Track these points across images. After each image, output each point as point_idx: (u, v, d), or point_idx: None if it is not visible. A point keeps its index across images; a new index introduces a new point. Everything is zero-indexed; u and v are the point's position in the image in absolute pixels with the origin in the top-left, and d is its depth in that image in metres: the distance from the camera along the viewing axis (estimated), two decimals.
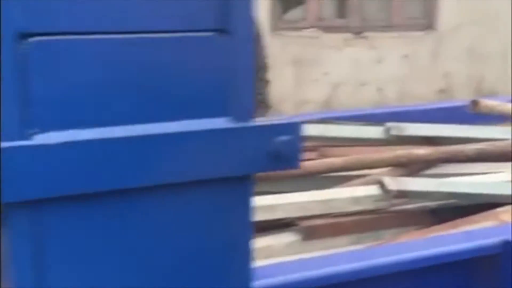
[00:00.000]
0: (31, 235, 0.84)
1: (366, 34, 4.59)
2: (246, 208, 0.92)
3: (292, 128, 0.89)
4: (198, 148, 0.86)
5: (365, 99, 4.54)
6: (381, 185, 1.94)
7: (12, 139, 0.78)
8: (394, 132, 2.29)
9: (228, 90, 0.86)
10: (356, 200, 1.99)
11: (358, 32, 4.57)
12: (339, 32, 4.50)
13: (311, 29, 4.49)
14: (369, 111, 2.76)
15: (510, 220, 1.71)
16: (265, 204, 1.82)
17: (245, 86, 0.87)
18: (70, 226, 0.85)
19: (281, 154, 0.88)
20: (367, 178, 2.07)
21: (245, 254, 0.94)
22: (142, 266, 0.90)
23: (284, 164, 0.89)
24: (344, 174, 2.10)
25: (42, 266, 0.86)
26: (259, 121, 0.88)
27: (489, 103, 2.49)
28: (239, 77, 0.86)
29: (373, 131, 2.36)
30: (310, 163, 2.06)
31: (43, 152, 0.79)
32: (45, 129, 0.79)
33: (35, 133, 0.79)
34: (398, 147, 2.25)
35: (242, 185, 0.91)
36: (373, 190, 2.00)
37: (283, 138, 0.88)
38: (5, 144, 0.78)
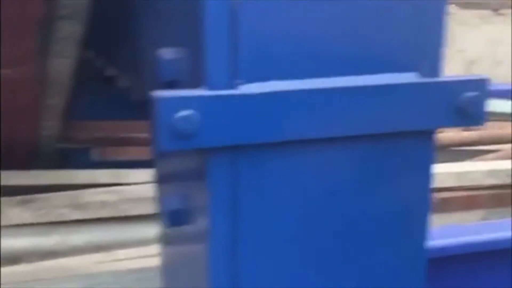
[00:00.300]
0: (228, 180, 0.90)
1: (503, 11, 4.47)
2: (427, 164, 0.94)
3: (479, 84, 0.90)
4: (386, 101, 0.89)
5: (500, 77, 4.43)
6: None
7: (218, 88, 0.84)
8: None
9: (418, 45, 0.88)
10: (492, 173, 1.96)
11: (495, 9, 4.46)
12: (477, 8, 4.40)
13: (449, 5, 4.40)
14: (502, 86, 2.70)
15: None
16: None
17: (434, 41, 0.89)
18: (265, 173, 0.90)
19: (466, 111, 0.90)
20: (503, 152, 2.05)
21: (423, 214, 0.97)
22: (326, 216, 0.95)
23: (468, 121, 0.91)
24: (477, 148, 2.09)
25: (237, 212, 0.92)
26: (446, 76, 0.90)
27: None
28: (429, 32, 0.88)
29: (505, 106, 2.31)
30: (445, 135, 2.05)
31: (247, 101, 0.84)
32: (249, 79, 0.84)
33: (241, 83, 0.84)
34: None
35: (425, 140, 0.93)
36: (509, 164, 1.97)
37: (470, 94, 0.89)
38: (211, 93, 0.84)
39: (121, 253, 2.12)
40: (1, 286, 1.88)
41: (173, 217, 1.16)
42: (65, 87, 2.09)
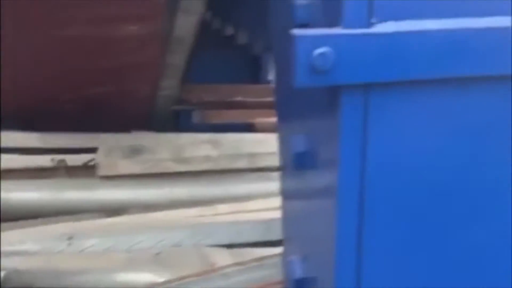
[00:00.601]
0: (358, 118, 0.94)
1: None
2: None
3: None
4: None
5: None
6: None
7: (354, 27, 0.87)
8: None
9: None
10: None
11: None
12: None
13: None
14: None
15: None
16: None
17: None
18: (395, 112, 0.94)
19: None
20: None
21: None
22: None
23: None
24: None
25: (366, 143, 0.96)
26: None
27: None
28: None
29: None
30: None
31: (381, 40, 0.88)
32: (385, 18, 0.87)
33: (376, 22, 0.87)
34: None
35: None
36: None
37: None
38: (347, 31, 0.88)
39: (220, 207, 2.19)
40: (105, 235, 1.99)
41: (299, 160, 1.21)
42: (188, 46, 2.18)
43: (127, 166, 2.20)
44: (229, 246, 1.99)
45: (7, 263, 1.75)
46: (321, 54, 0.88)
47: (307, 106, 1.15)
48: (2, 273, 1.71)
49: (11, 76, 2.36)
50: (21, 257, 1.80)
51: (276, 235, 2.01)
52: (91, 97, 2.42)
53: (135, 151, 2.22)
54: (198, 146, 2.37)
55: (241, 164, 2.31)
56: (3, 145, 2.34)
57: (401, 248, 1.11)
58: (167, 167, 2.24)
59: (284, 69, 1.19)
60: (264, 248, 1.97)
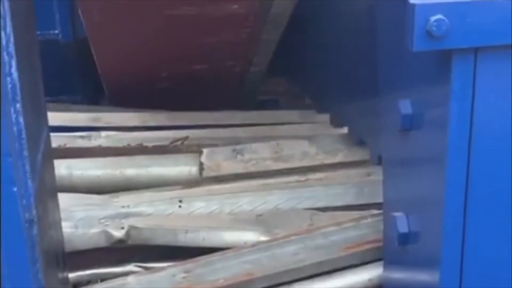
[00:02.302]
0: (468, 81, 1.06)
1: None
2: None
3: None
4: None
5: None
6: None
7: None
8: None
9: None
10: None
11: None
12: None
13: None
14: None
15: None
16: None
17: None
18: (502, 74, 1.05)
19: None
20: None
21: None
22: None
23: None
24: None
25: (475, 106, 1.08)
26: None
27: None
28: None
29: None
30: None
31: (493, 6, 0.99)
32: None
33: None
34: None
35: None
36: None
37: None
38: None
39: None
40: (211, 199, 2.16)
41: (406, 122, 1.33)
42: (283, 23, 2.30)
43: (229, 166, 2.33)
44: (324, 209, 2.12)
45: (126, 222, 1.94)
46: (437, 20, 0.99)
47: (414, 71, 1.26)
48: (123, 231, 1.90)
49: (110, 55, 2.54)
50: (138, 218, 1.99)
51: (367, 198, 2.14)
52: (188, 75, 2.57)
53: (237, 152, 2.36)
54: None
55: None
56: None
57: (506, 209, 1.22)
58: (266, 166, 2.35)
59: (392, 36, 1.31)
60: (357, 210, 2.09)
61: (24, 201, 1.11)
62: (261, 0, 2.13)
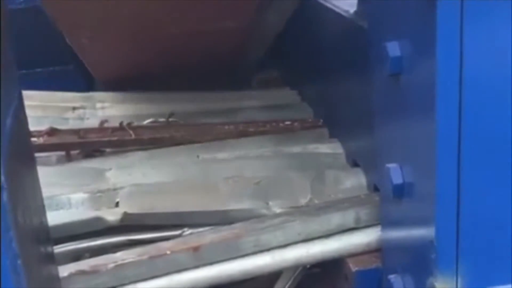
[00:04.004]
0: (455, 19, 1.00)
1: None
2: None
3: None
4: None
5: None
6: None
7: None
8: None
9: None
10: None
11: None
12: None
13: None
14: None
15: None
16: None
17: None
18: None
19: None
20: None
21: None
22: None
23: None
24: None
25: (463, 48, 1.02)
26: None
27: None
28: None
29: None
30: None
31: None
32: None
33: None
34: None
35: None
36: None
37: None
38: None
39: None
40: None
41: (395, 65, 1.27)
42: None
43: None
44: None
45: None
46: None
47: (400, 10, 1.20)
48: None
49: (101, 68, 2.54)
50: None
51: None
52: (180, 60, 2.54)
53: None
54: None
55: None
56: None
57: (501, 154, 1.16)
58: None
59: None
60: None
61: None
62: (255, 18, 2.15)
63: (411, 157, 1.31)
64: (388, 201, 1.52)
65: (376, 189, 1.81)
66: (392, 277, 1.47)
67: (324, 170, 2.02)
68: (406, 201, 1.36)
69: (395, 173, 1.35)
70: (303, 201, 1.89)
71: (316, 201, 1.89)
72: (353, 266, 1.68)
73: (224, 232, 1.68)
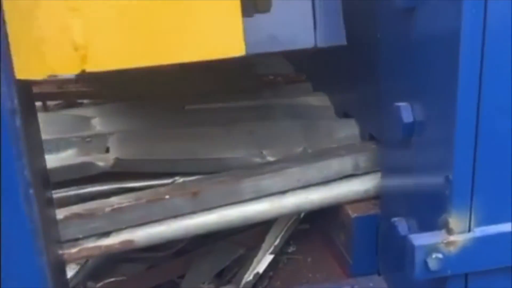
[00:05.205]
0: None
1: None
2: None
3: None
4: None
5: None
6: None
7: None
8: None
9: None
10: None
11: None
12: None
13: None
14: None
15: None
16: None
17: None
18: None
19: None
20: None
21: None
22: None
23: None
24: None
25: None
26: None
27: None
28: None
29: None
30: None
31: None
32: None
33: None
34: None
35: None
36: None
37: None
38: None
39: None
40: None
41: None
42: None
43: None
44: None
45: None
46: None
47: None
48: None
49: None
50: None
51: None
52: None
53: None
54: None
55: None
56: None
57: None
58: None
59: None
60: None
61: (5, 89, 1.00)
62: None
63: (424, 95, 1.30)
64: (391, 145, 1.51)
65: (371, 138, 1.80)
66: (395, 219, 1.47)
67: (316, 121, 2.01)
68: (416, 140, 1.35)
69: (406, 111, 1.34)
70: (297, 150, 1.87)
71: (309, 151, 1.88)
72: (351, 212, 1.67)
73: (224, 177, 1.65)
